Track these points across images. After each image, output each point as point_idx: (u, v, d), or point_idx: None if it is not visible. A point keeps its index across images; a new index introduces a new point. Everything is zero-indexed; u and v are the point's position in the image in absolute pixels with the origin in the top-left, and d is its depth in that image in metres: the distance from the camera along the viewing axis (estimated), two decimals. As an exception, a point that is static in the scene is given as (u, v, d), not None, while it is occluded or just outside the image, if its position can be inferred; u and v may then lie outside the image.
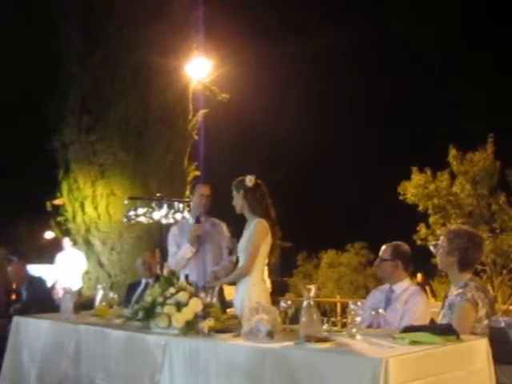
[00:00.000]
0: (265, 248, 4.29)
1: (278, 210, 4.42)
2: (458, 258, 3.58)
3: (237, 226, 4.61)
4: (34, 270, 9.83)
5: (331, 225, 21.46)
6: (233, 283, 4.52)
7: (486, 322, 3.44)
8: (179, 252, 5.25)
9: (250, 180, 4.36)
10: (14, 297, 7.16)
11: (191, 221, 5.49)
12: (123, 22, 10.65)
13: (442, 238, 3.72)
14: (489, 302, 3.50)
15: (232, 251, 4.52)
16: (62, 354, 3.94)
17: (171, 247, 5.37)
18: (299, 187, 22.53)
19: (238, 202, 4.39)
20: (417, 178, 14.54)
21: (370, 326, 3.57)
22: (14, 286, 7.66)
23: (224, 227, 5.37)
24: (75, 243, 10.40)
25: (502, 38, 21.34)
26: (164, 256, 6.61)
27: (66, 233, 10.56)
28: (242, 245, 4.34)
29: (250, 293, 4.24)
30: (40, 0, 11.22)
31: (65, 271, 9.85)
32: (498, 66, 20.71)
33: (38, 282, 7.44)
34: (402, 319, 3.83)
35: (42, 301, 6.70)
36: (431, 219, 14.37)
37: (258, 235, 4.25)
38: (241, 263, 4.38)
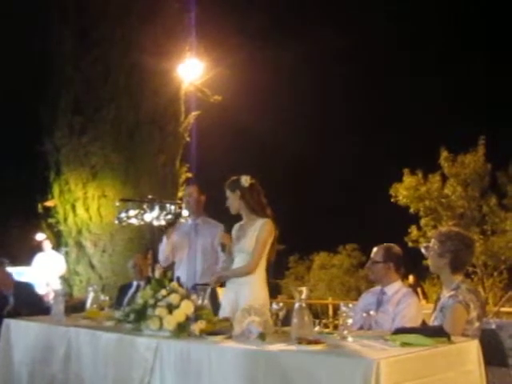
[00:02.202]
0: (267, 248, 4.29)
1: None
2: (449, 260, 3.59)
3: (231, 226, 4.58)
4: (26, 272, 9.83)
5: (323, 227, 21.46)
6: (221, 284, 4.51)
7: (477, 324, 3.45)
8: (160, 247, 5.40)
9: (245, 180, 4.33)
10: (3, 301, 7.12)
11: (190, 222, 5.52)
12: (116, 23, 10.64)
13: (432, 240, 3.72)
14: (480, 304, 3.51)
15: (225, 247, 4.46)
16: (52, 357, 3.93)
17: None
18: (291, 189, 22.52)
19: (234, 202, 4.35)
20: (408, 179, 14.58)
21: (361, 328, 3.57)
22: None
23: (220, 228, 5.37)
24: (66, 245, 10.39)
25: (497, 39, 21.47)
26: (156, 258, 6.61)
27: (58, 235, 10.53)
28: (243, 245, 4.29)
29: (256, 292, 4.19)
30: (33, 1, 11.18)
31: (42, 272, 9.87)
32: (491, 67, 20.81)
33: (25, 287, 7.38)
34: (393, 321, 3.84)
35: (30, 306, 6.65)
36: (422, 221, 14.42)
37: (267, 234, 4.23)
38: (240, 263, 4.32)
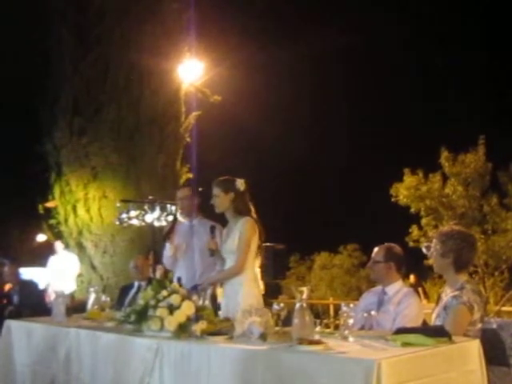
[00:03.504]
0: (253, 246, 4.29)
1: (270, 212, 4.43)
2: (453, 259, 3.57)
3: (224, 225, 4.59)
4: (27, 273, 9.82)
5: (324, 227, 21.45)
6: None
7: (479, 325, 3.44)
8: (165, 252, 5.39)
9: (241, 184, 4.34)
10: (4, 301, 7.16)
11: (186, 223, 5.52)
12: (115, 24, 10.65)
13: (434, 240, 3.69)
14: (483, 305, 3.50)
15: (214, 252, 4.48)
16: (53, 358, 3.93)
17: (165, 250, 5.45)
18: (292, 189, 22.52)
19: (224, 202, 4.35)
20: (409, 179, 14.54)
21: (362, 328, 3.57)
22: (7, 290, 7.67)
23: (214, 228, 5.37)
24: (67, 246, 10.37)
25: (497, 40, 21.45)
26: (157, 259, 6.62)
27: (58, 236, 10.52)
28: (229, 246, 4.32)
29: (249, 291, 4.22)
30: (32, 1, 11.19)
31: (58, 274, 9.81)
32: (491, 67, 20.80)
33: (30, 285, 7.44)
34: (394, 321, 3.84)
35: (33, 303, 6.69)
36: (423, 221, 14.37)
37: (248, 232, 4.25)
38: (229, 264, 4.35)
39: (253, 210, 4.38)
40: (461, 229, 3.82)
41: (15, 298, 7.21)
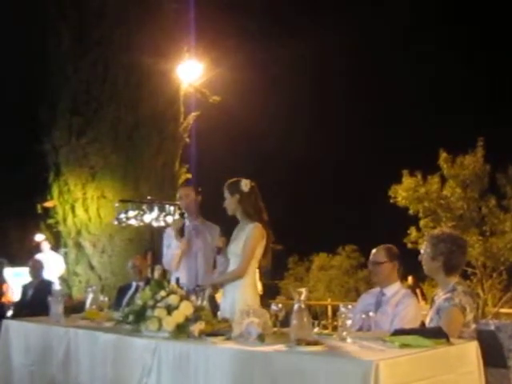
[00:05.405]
0: (259, 251, 4.29)
1: (268, 213, 4.41)
2: (443, 262, 3.58)
3: (229, 227, 4.58)
4: (24, 272, 9.82)
5: (322, 228, 21.48)
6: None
7: (473, 326, 3.44)
8: (169, 250, 5.26)
9: (245, 185, 4.33)
10: (2, 300, 7.17)
11: (187, 223, 5.47)
12: (115, 24, 10.64)
13: (425, 243, 3.70)
14: (476, 305, 3.50)
15: (221, 250, 4.48)
16: (52, 358, 3.93)
17: (165, 248, 5.37)
18: (290, 190, 22.54)
19: (232, 205, 4.36)
20: (407, 181, 14.57)
21: (360, 329, 3.57)
22: (23, 284, 7.72)
23: (217, 231, 5.35)
24: (65, 246, 10.38)
25: (496, 41, 21.49)
26: (155, 259, 6.60)
27: (57, 235, 10.52)
28: (235, 248, 4.32)
29: (245, 296, 4.23)
30: (32, 1, 11.19)
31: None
32: (490, 69, 20.83)
33: (48, 285, 7.46)
34: (392, 322, 3.84)
35: (45, 304, 6.69)
36: (422, 222, 14.39)
37: (254, 239, 4.23)
38: (232, 266, 4.36)
39: (262, 210, 4.36)
40: (452, 232, 3.82)
41: (30, 292, 7.26)
